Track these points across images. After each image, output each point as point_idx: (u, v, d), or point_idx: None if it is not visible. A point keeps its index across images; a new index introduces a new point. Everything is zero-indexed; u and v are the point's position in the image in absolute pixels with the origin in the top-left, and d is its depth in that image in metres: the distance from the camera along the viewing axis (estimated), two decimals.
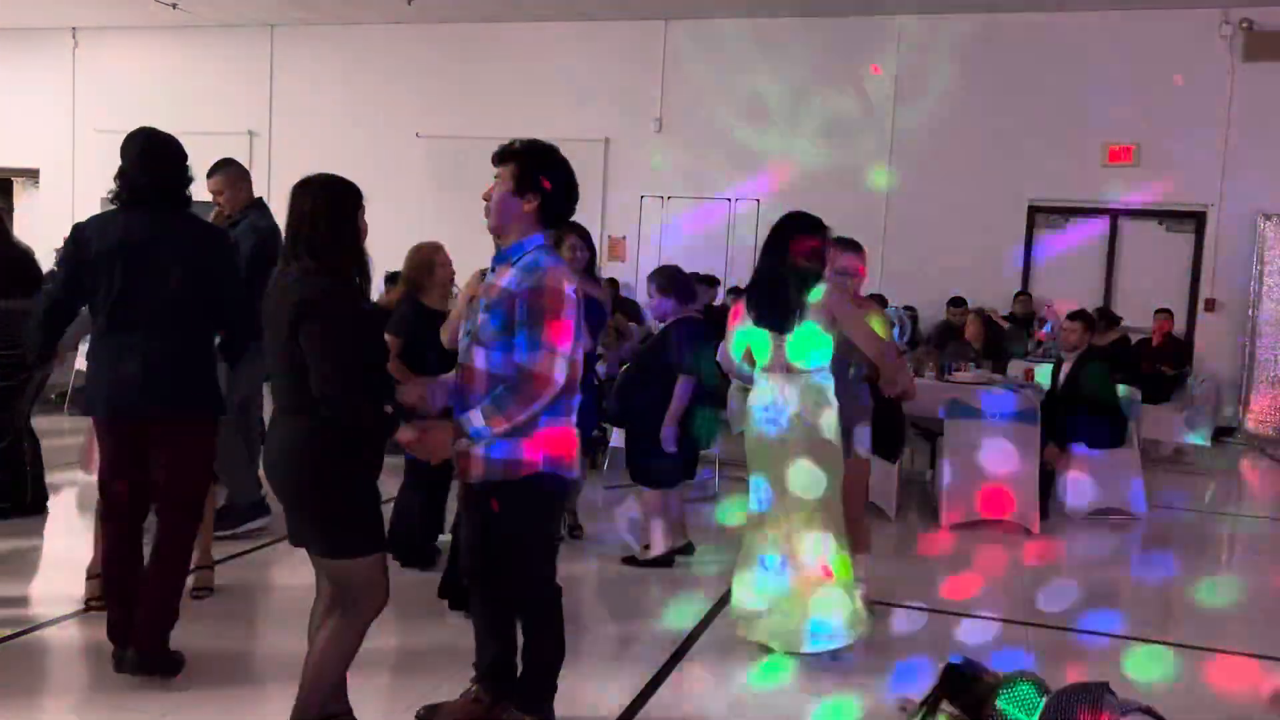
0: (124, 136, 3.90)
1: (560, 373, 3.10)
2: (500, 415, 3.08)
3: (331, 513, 3.04)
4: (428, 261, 5.17)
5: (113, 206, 3.88)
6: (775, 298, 4.20)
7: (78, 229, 3.86)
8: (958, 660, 3.66)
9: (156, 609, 3.80)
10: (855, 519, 4.60)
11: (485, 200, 3.24)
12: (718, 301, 11.11)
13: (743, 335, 4.38)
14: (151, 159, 3.83)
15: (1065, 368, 7.37)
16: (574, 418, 3.31)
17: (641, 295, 9.38)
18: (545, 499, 3.30)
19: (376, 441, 3.11)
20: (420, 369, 4.58)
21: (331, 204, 3.05)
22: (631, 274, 11.87)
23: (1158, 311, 10.49)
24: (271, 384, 3.12)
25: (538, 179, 3.18)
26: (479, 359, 3.17)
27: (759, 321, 4.26)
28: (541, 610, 3.40)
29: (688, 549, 5.65)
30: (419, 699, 3.66)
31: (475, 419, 3.09)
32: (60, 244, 4.24)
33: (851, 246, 4.77)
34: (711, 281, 10.97)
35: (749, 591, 4.38)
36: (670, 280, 5.54)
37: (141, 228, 3.76)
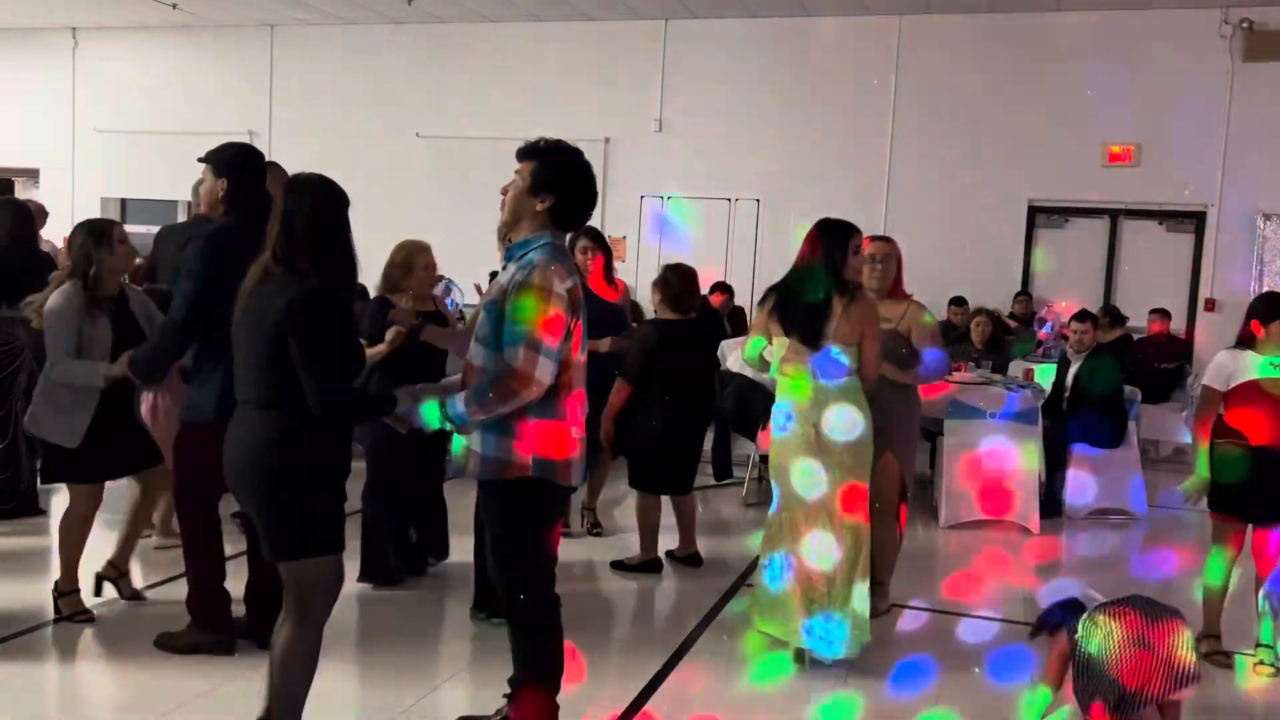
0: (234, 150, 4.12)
1: (544, 371, 3.02)
2: (477, 405, 3.05)
3: (294, 510, 3.01)
4: (407, 262, 4.92)
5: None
6: (812, 313, 4.12)
7: (221, 240, 3.89)
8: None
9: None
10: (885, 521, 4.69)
11: (503, 194, 3.22)
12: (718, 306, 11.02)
13: (757, 341, 4.38)
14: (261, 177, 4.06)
15: (1073, 368, 7.38)
16: (576, 420, 3.20)
17: (643, 296, 9.36)
18: (532, 504, 3.18)
19: (346, 440, 3.16)
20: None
21: (330, 206, 3.09)
22: (631, 274, 11.85)
23: (1153, 312, 10.47)
24: (238, 378, 3.11)
25: (554, 181, 3.15)
26: (478, 356, 3.15)
27: (790, 332, 4.18)
28: (528, 620, 3.28)
29: (695, 560, 5.62)
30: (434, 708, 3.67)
31: (459, 402, 3.08)
32: (61, 244, 4.26)
33: (877, 237, 4.95)
34: (725, 289, 10.74)
35: (762, 589, 4.35)
36: (668, 280, 5.43)
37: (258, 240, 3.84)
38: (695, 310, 5.57)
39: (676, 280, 5.44)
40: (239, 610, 4.16)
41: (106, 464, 4.42)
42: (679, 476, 5.52)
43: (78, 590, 4.47)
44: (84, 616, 4.42)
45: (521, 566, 3.24)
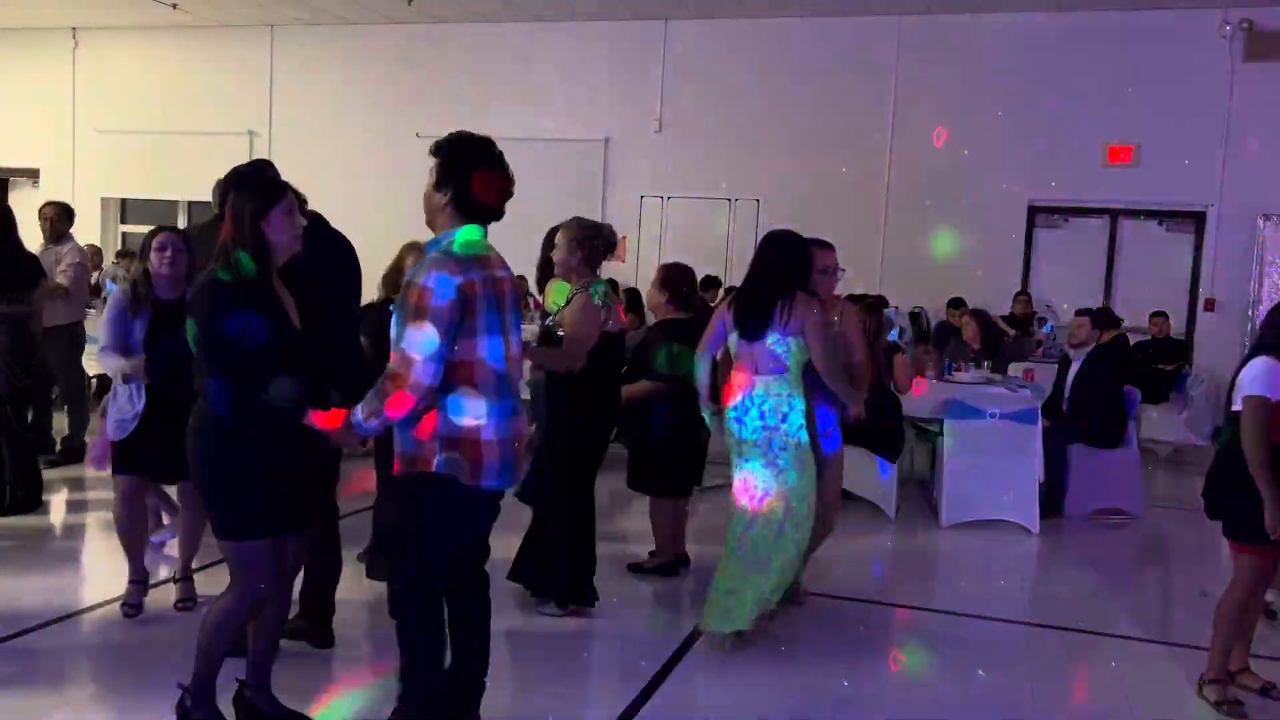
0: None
1: (423, 372, 2.93)
2: (369, 409, 3.02)
3: (215, 491, 3.18)
4: (397, 265, 4.99)
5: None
6: (756, 307, 4.42)
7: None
8: None
9: None
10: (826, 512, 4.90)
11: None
12: (715, 303, 11.07)
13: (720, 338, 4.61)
14: None
15: (1073, 368, 7.37)
16: (495, 422, 3.07)
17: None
18: (438, 501, 3.08)
19: (277, 429, 3.12)
20: None
21: (246, 196, 3.16)
22: (631, 275, 11.86)
23: (1154, 315, 10.48)
24: None
25: (451, 173, 3.10)
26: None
27: (739, 328, 4.46)
28: (408, 625, 3.17)
29: (682, 560, 5.57)
30: None
31: (356, 411, 3.06)
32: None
33: (827, 245, 4.85)
34: (714, 282, 10.87)
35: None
36: (670, 277, 5.41)
37: None
38: (695, 308, 5.57)
39: (681, 279, 5.44)
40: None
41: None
42: (687, 478, 5.53)
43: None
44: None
45: (412, 564, 3.14)
